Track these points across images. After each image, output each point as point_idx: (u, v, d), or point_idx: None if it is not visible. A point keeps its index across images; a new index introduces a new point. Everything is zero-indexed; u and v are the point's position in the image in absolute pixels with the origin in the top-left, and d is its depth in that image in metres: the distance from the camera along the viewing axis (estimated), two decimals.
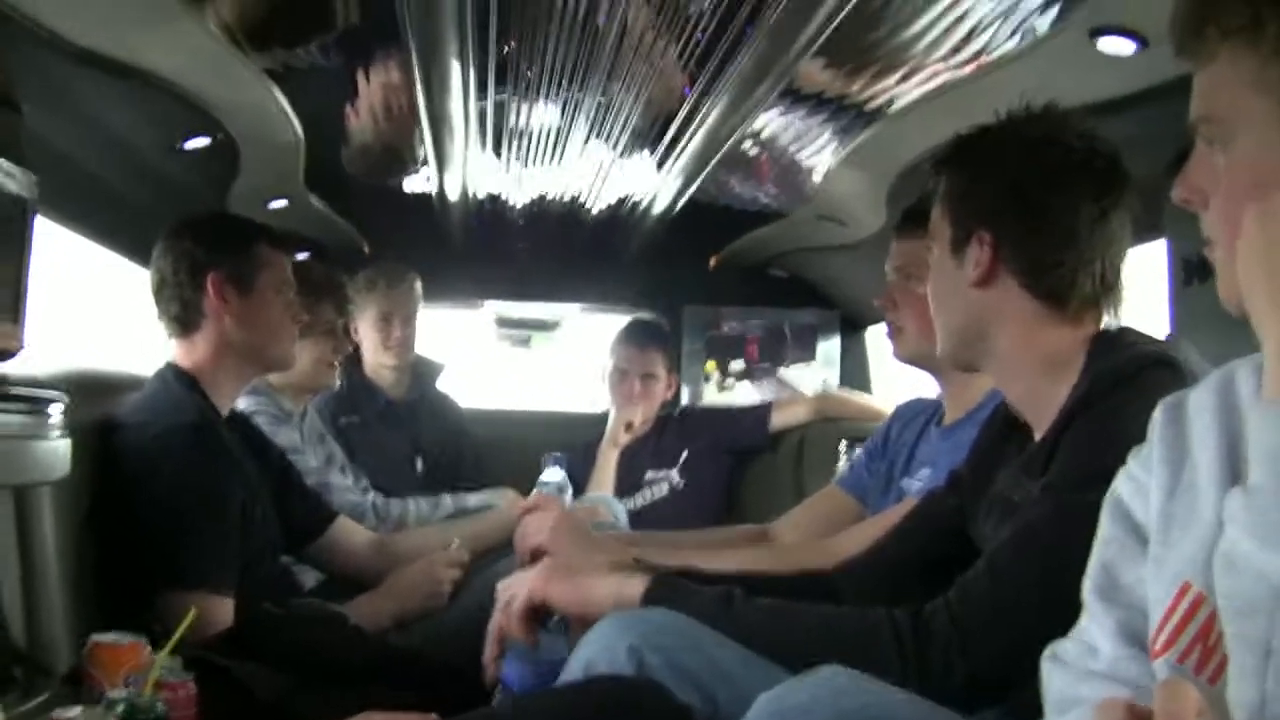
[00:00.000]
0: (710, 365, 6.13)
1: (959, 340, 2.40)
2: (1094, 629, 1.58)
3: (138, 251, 4.17)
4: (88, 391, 3.14)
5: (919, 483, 3.22)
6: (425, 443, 5.34)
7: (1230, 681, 1.29)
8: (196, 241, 3.41)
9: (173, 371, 3.37)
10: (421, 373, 5.47)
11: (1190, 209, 1.53)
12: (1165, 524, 1.51)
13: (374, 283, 5.20)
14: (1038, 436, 2.28)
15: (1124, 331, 2.28)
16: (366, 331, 5.25)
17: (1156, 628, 1.45)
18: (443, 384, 5.62)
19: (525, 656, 2.47)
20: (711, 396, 6.12)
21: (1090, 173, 2.26)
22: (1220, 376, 1.56)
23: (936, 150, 3.45)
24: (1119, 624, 1.55)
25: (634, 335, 5.50)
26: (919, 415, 3.49)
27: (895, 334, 3.38)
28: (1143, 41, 2.52)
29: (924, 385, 3.62)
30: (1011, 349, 2.31)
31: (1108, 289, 2.30)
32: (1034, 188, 2.26)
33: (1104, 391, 2.09)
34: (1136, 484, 1.59)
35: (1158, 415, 1.60)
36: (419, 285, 5.27)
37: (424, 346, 5.44)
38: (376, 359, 5.29)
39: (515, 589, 2.45)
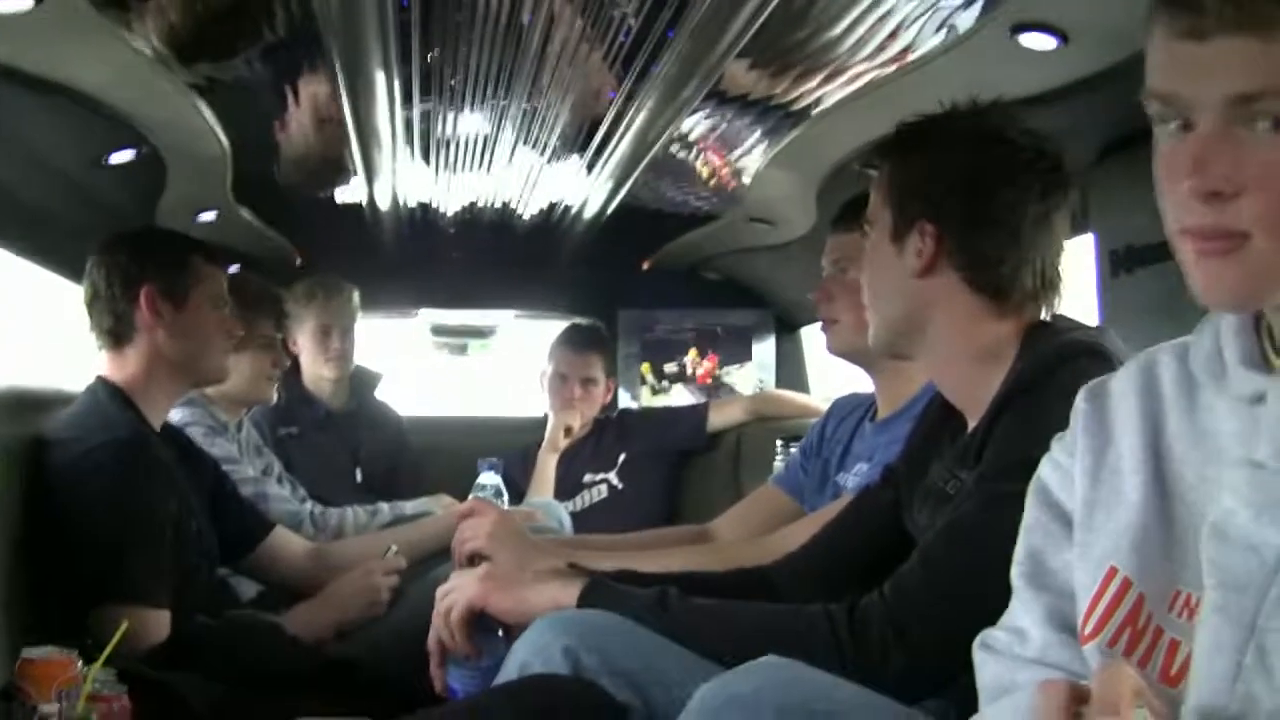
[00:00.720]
0: (645, 368, 6.14)
1: (894, 330, 2.40)
2: (1023, 615, 1.59)
3: (66, 266, 4.16)
4: (15, 408, 3.13)
5: (855, 478, 3.23)
6: (364, 453, 5.33)
7: (1199, 655, 1.30)
8: (130, 255, 3.39)
9: (104, 386, 3.35)
10: (360, 383, 5.46)
11: (1210, 204, 1.34)
12: (1089, 509, 1.52)
13: (312, 294, 5.19)
14: (971, 426, 2.29)
15: (1055, 319, 2.30)
16: (305, 343, 5.23)
17: (1085, 613, 1.46)
18: (381, 393, 5.60)
19: (467, 663, 2.47)
20: (647, 399, 6.13)
21: (1036, 172, 2.27)
22: (1142, 362, 1.57)
23: (864, 149, 3.51)
24: (1048, 609, 1.56)
25: (573, 340, 5.51)
26: (853, 411, 3.50)
27: (829, 327, 3.38)
28: (1063, 37, 2.54)
29: (860, 383, 3.63)
30: (947, 339, 2.32)
31: (1048, 285, 2.31)
32: (982, 182, 2.26)
33: (1034, 381, 2.11)
34: (1061, 470, 1.61)
35: (1080, 401, 1.61)
36: (356, 297, 5.26)
37: (361, 356, 5.43)
38: (315, 370, 5.27)
39: (454, 597, 2.44)
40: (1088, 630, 1.45)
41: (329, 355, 5.21)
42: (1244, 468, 1.30)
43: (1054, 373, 2.08)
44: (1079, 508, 1.53)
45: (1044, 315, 2.31)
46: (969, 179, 2.27)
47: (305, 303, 5.16)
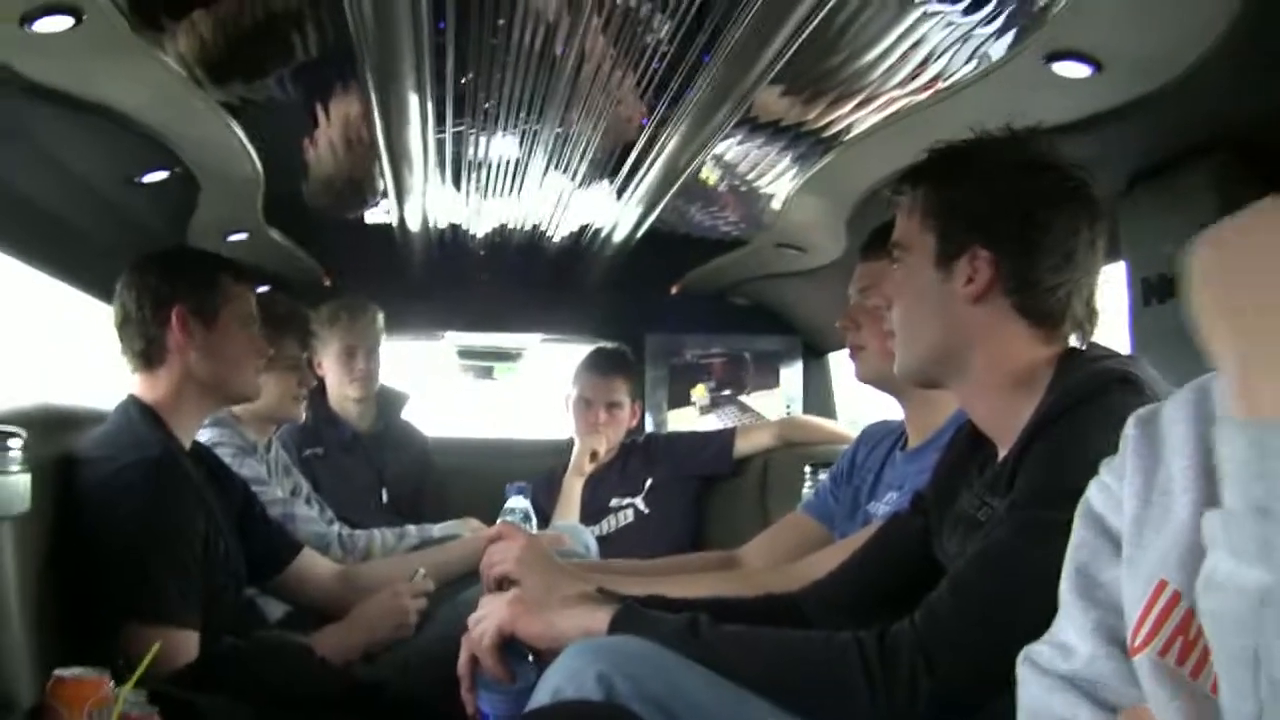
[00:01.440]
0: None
1: (930, 358, 2.36)
2: (1069, 628, 1.58)
3: (97, 286, 4.17)
4: (47, 427, 3.13)
5: (885, 506, 3.22)
6: (390, 474, 5.33)
7: (1226, 702, 1.30)
8: (160, 276, 3.41)
9: (135, 405, 3.36)
10: (386, 403, 5.46)
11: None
12: (1138, 527, 1.51)
13: (337, 316, 5.20)
14: (1002, 454, 2.28)
15: (1089, 347, 2.28)
16: (330, 365, 5.24)
17: (1135, 625, 1.45)
18: (407, 414, 5.61)
19: (498, 687, 2.46)
20: (691, 421, 6.13)
21: (1082, 199, 2.26)
22: (1194, 389, 1.56)
23: (895, 176, 3.49)
24: (1096, 623, 1.55)
25: (598, 363, 5.50)
26: (884, 439, 3.49)
27: (856, 354, 3.38)
28: (1097, 65, 2.54)
29: (887, 410, 3.63)
30: (985, 367, 2.29)
31: (1092, 312, 2.30)
32: (1037, 207, 2.24)
33: (1067, 409, 2.09)
34: (1108, 492, 1.60)
35: (1130, 427, 1.60)
36: (381, 318, 5.27)
37: (388, 377, 5.44)
38: (341, 391, 5.28)
39: (485, 624, 2.44)
40: (1138, 641, 1.44)
41: (354, 376, 5.22)
42: (1217, 516, 1.30)
43: (1087, 402, 2.06)
44: (1128, 526, 1.52)
45: (1078, 342, 2.29)
46: (1023, 204, 2.24)
47: (330, 324, 5.17)
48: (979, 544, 2.12)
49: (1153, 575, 1.45)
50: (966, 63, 2.80)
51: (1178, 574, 1.43)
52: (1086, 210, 2.26)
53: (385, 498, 5.26)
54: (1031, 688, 1.60)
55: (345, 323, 5.19)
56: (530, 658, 2.38)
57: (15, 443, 2.77)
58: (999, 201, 2.26)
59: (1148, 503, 1.51)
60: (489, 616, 2.43)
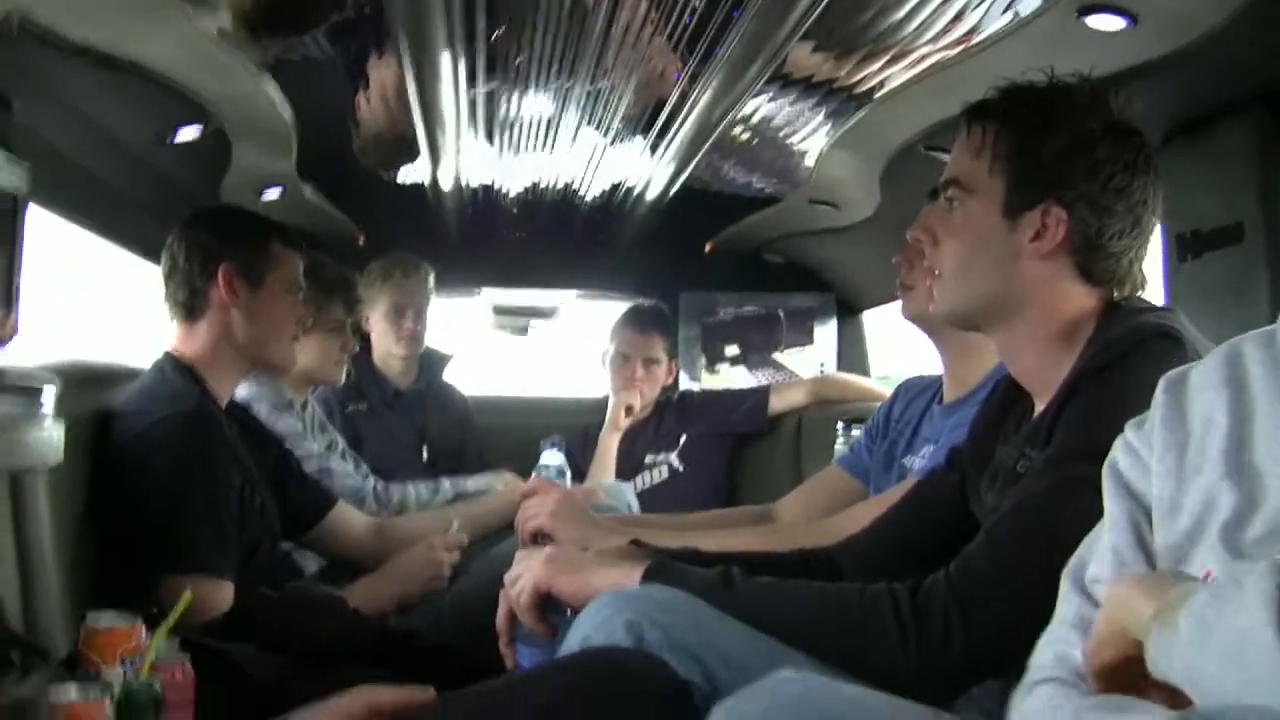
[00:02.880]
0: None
1: (981, 304, 2.32)
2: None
3: (133, 241, 4.20)
4: (82, 382, 3.16)
5: (921, 460, 3.23)
6: (431, 432, 5.35)
7: None
8: (212, 231, 3.45)
9: (171, 361, 3.39)
10: (429, 363, 5.48)
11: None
12: (1174, 512, 1.50)
13: (389, 273, 5.21)
14: (1040, 406, 2.27)
15: (1129, 300, 2.26)
16: (378, 322, 5.25)
17: None
18: (448, 374, 5.63)
19: (536, 640, 2.47)
20: (725, 379, 6.16)
21: (1153, 164, 2.24)
22: (1226, 353, 1.55)
23: (929, 131, 3.49)
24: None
25: (636, 319, 5.50)
26: (921, 393, 3.48)
27: (905, 292, 3.34)
28: (1133, 18, 2.53)
29: (921, 366, 3.63)
30: (1035, 320, 2.26)
31: (1141, 274, 2.29)
32: (1119, 172, 2.20)
33: (1106, 363, 2.08)
34: (1135, 455, 1.59)
35: (1160, 391, 1.59)
36: (432, 278, 5.28)
37: (432, 338, 5.46)
38: (386, 349, 5.30)
39: (522, 582, 2.44)
40: None
41: (401, 334, 5.23)
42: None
43: (1127, 355, 2.05)
44: (1162, 507, 1.51)
45: (1119, 296, 2.27)
46: (1106, 167, 2.20)
47: (381, 281, 5.18)
48: (1015, 497, 2.12)
49: (1201, 565, 1.44)
50: (1000, 16, 2.79)
51: (1218, 558, 1.42)
52: (1155, 176, 2.24)
53: (426, 456, 5.28)
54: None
55: (397, 280, 5.20)
56: (568, 611, 2.39)
57: (49, 395, 2.79)
58: (1081, 160, 2.21)
59: (1181, 480, 1.50)
60: (525, 574, 2.42)
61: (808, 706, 1.59)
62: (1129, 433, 1.62)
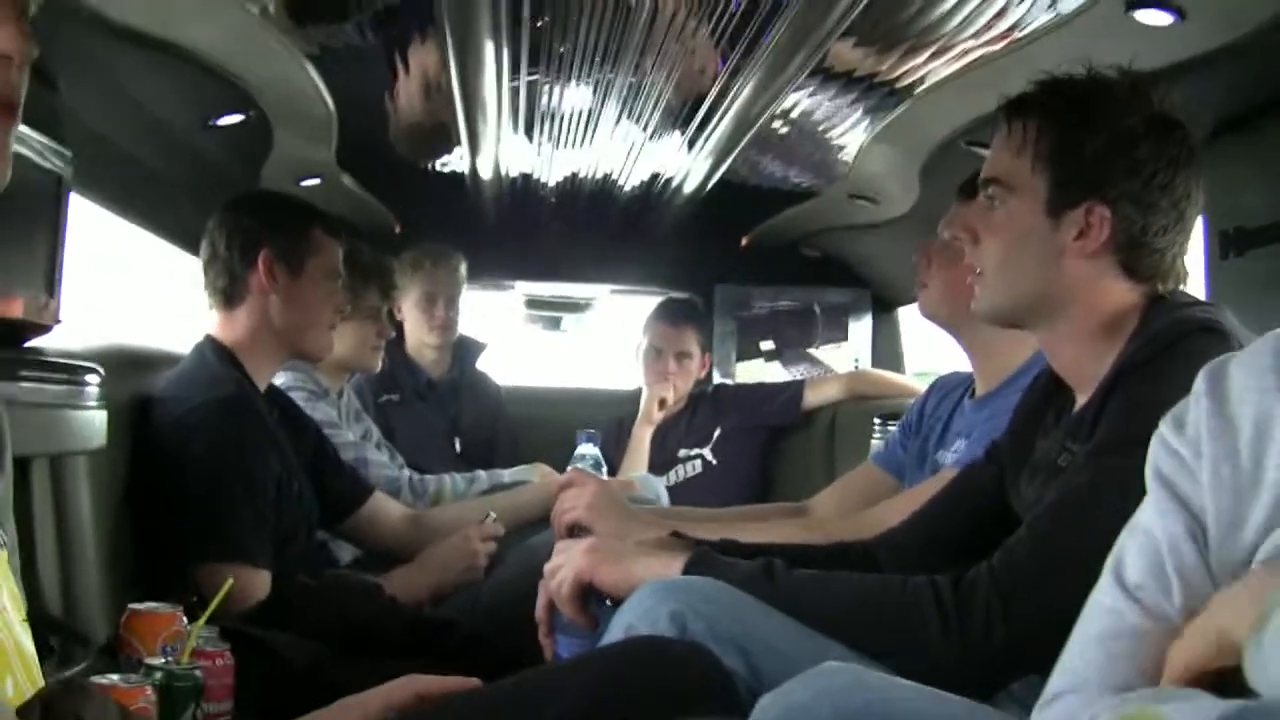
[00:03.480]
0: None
1: (1024, 303, 2.31)
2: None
3: (169, 229, 4.21)
4: (123, 366, 3.17)
5: (954, 454, 3.22)
6: (464, 422, 5.37)
7: None
8: (253, 217, 3.46)
9: (211, 346, 3.40)
10: (462, 352, 5.49)
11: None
12: (1234, 528, 1.48)
13: (420, 263, 5.23)
14: (1082, 400, 2.26)
15: (1173, 294, 2.25)
16: (410, 311, 5.28)
17: None
18: (481, 363, 5.63)
19: (576, 631, 2.47)
20: (759, 373, 6.14)
21: (1197, 159, 2.23)
22: (1274, 351, 1.53)
23: (970, 126, 3.48)
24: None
25: (669, 313, 5.53)
26: (955, 389, 3.47)
27: (921, 290, 3.36)
28: (1180, 13, 2.51)
29: (956, 362, 3.62)
30: (1077, 317, 2.25)
31: (1184, 269, 2.28)
32: (1163, 168, 2.19)
33: (1151, 357, 2.08)
34: (1180, 461, 1.57)
35: (1201, 395, 1.57)
36: (464, 267, 5.29)
37: (464, 326, 5.47)
38: (419, 338, 5.32)
39: (563, 573, 2.43)
40: None
41: (434, 323, 5.25)
42: None
43: (1171, 348, 2.05)
44: (1222, 523, 1.49)
45: (1163, 290, 2.25)
46: (1150, 164, 2.18)
47: (412, 271, 5.20)
48: (1057, 490, 2.11)
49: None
50: (1044, 11, 2.77)
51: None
52: (1197, 168, 2.22)
53: (459, 446, 5.29)
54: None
55: (428, 269, 5.22)
56: (608, 602, 2.39)
57: (93, 379, 2.81)
58: (1124, 158, 2.19)
59: (1237, 492, 1.48)
60: (566, 566, 2.42)
61: (855, 698, 1.59)
62: (1168, 433, 1.60)
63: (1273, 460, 1.43)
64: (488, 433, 5.38)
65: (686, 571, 2.29)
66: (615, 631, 2.14)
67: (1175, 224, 2.22)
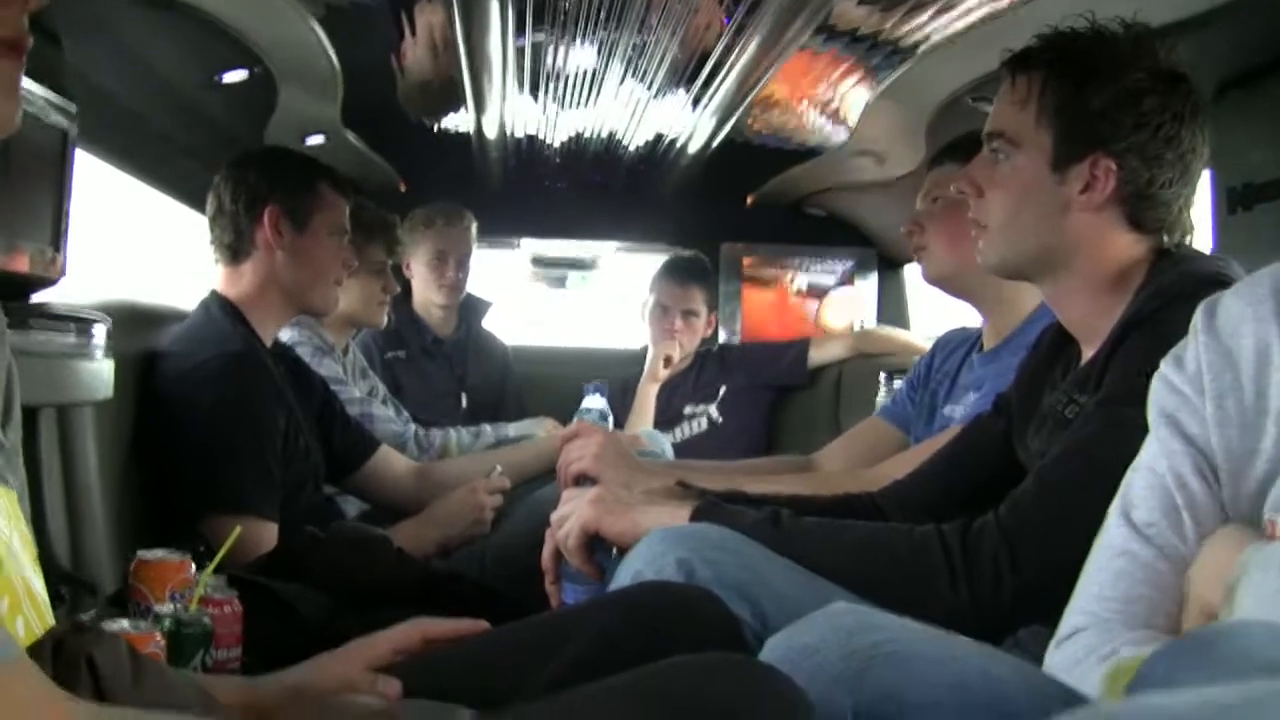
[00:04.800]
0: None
1: (1030, 256, 2.32)
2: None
3: (174, 185, 4.22)
4: (129, 321, 3.18)
5: (962, 409, 3.22)
6: (470, 380, 5.39)
7: None
8: (260, 173, 3.47)
9: (217, 301, 3.41)
10: (469, 311, 5.51)
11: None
12: (1247, 459, 1.49)
13: (431, 220, 5.25)
14: (1088, 354, 2.27)
15: (1179, 247, 2.26)
16: (419, 269, 5.30)
17: None
18: (487, 322, 5.64)
19: (582, 579, 2.48)
20: None
21: (1202, 110, 2.23)
22: (1271, 281, 1.53)
23: (975, 83, 3.47)
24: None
25: (676, 271, 5.53)
26: (961, 345, 3.48)
27: (920, 254, 3.37)
28: None
29: (963, 319, 3.62)
30: (1083, 270, 2.27)
31: (1191, 222, 2.29)
32: (1168, 121, 2.19)
33: (1158, 309, 2.09)
34: (1183, 398, 1.58)
35: (1199, 331, 1.58)
36: (475, 227, 5.30)
37: (472, 285, 5.48)
38: (427, 296, 5.33)
39: (570, 524, 2.45)
40: None
41: (443, 282, 5.26)
42: None
43: (1178, 301, 2.03)
44: (1233, 457, 1.50)
45: (1170, 243, 2.27)
46: (1155, 116, 2.19)
47: (424, 228, 5.22)
48: (1065, 441, 2.12)
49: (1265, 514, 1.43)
50: None
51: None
52: (1203, 123, 2.23)
53: (465, 403, 5.31)
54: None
55: (440, 227, 5.24)
56: (614, 551, 2.40)
57: (100, 330, 2.82)
58: (1130, 111, 2.20)
59: (1244, 427, 1.49)
60: (573, 516, 2.44)
61: (863, 639, 1.60)
62: (1169, 372, 1.61)
63: (1276, 388, 1.44)
64: (495, 391, 5.40)
65: (694, 520, 2.31)
66: (623, 578, 2.15)
67: (1181, 177, 2.23)
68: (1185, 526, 1.52)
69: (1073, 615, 1.61)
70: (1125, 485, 1.63)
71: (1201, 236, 2.54)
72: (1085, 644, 1.54)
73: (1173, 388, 1.59)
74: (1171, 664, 1.09)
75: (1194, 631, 1.26)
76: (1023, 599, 2.02)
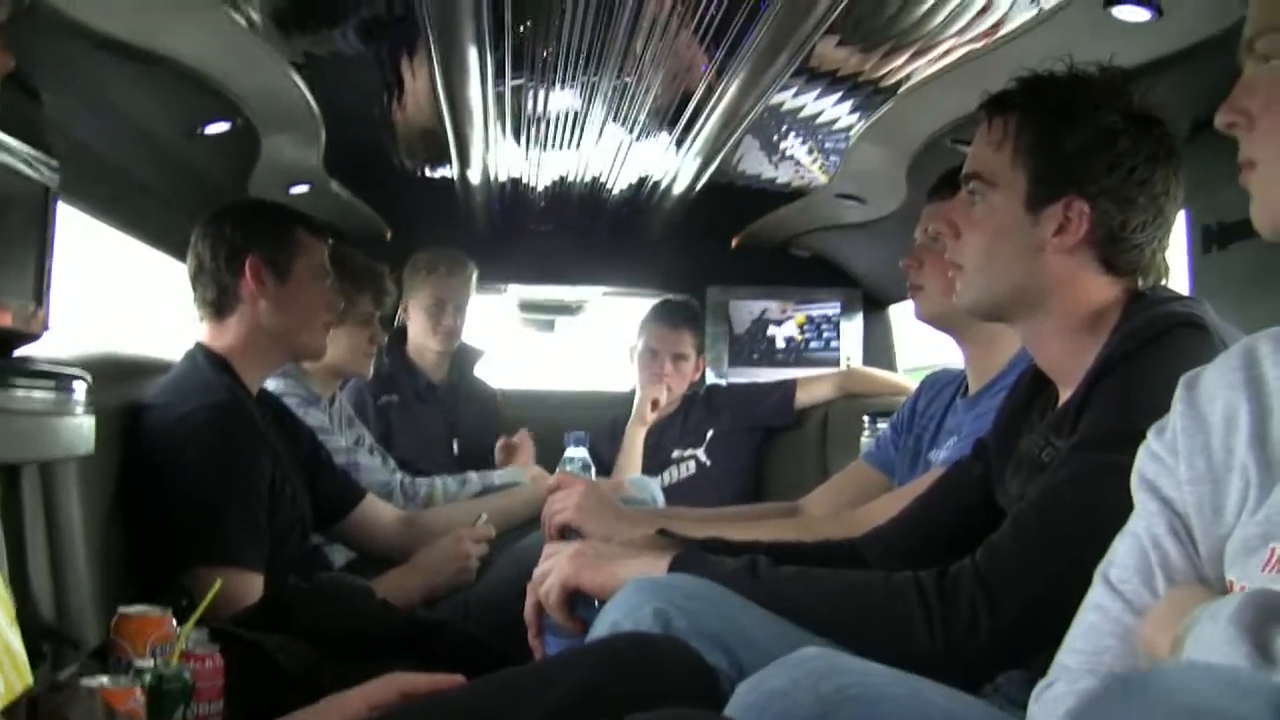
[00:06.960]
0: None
1: (1005, 297, 2.32)
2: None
3: (159, 237, 4.22)
4: (113, 374, 3.18)
5: (945, 453, 3.22)
6: (462, 426, 5.38)
7: None
8: (235, 226, 3.46)
9: (202, 352, 3.41)
10: (461, 358, 5.50)
11: (1233, 133, 1.59)
12: (1215, 515, 1.50)
13: (434, 267, 5.25)
14: (1065, 395, 2.27)
15: (1154, 289, 2.26)
16: (417, 314, 5.30)
17: None
18: (478, 370, 5.64)
19: (565, 633, 2.48)
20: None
21: (1176, 154, 2.25)
22: (1241, 353, 1.56)
23: (955, 124, 3.49)
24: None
25: (665, 314, 5.54)
26: (945, 387, 3.48)
27: (916, 293, 3.37)
28: (1158, 9, 2.53)
29: (947, 359, 3.62)
30: (1058, 312, 2.27)
31: (1165, 264, 2.29)
32: (1141, 164, 2.21)
33: (1131, 351, 2.09)
34: (1160, 463, 1.59)
35: (1177, 400, 1.60)
36: (475, 277, 5.31)
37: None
38: (422, 342, 5.33)
39: (550, 580, 2.45)
40: None
41: (439, 329, 5.26)
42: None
43: (1152, 344, 2.06)
44: (1204, 512, 1.51)
45: (1144, 285, 2.27)
46: (1129, 159, 2.20)
47: (426, 274, 5.23)
48: (1041, 485, 2.12)
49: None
50: (1026, 8, 2.78)
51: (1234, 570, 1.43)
52: (1177, 166, 2.24)
53: (456, 449, 5.30)
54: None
55: (441, 275, 5.24)
56: (596, 603, 2.40)
57: (80, 385, 2.82)
58: (1103, 154, 2.21)
59: (1215, 483, 1.50)
60: (553, 572, 2.44)
61: (832, 682, 1.60)
62: (1152, 440, 1.63)
63: (1241, 445, 1.46)
64: (486, 438, 5.39)
65: (672, 569, 2.31)
66: (600, 628, 2.15)
67: (1154, 220, 2.23)
68: (1157, 581, 1.53)
69: (1050, 670, 1.62)
70: (1111, 550, 1.64)
71: (1178, 275, 2.56)
72: (1055, 695, 1.55)
73: (1153, 455, 1.61)
74: (1105, 707, 1.10)
75: (1129, 674, 1.26)
76: (999, 643, 2.02)
